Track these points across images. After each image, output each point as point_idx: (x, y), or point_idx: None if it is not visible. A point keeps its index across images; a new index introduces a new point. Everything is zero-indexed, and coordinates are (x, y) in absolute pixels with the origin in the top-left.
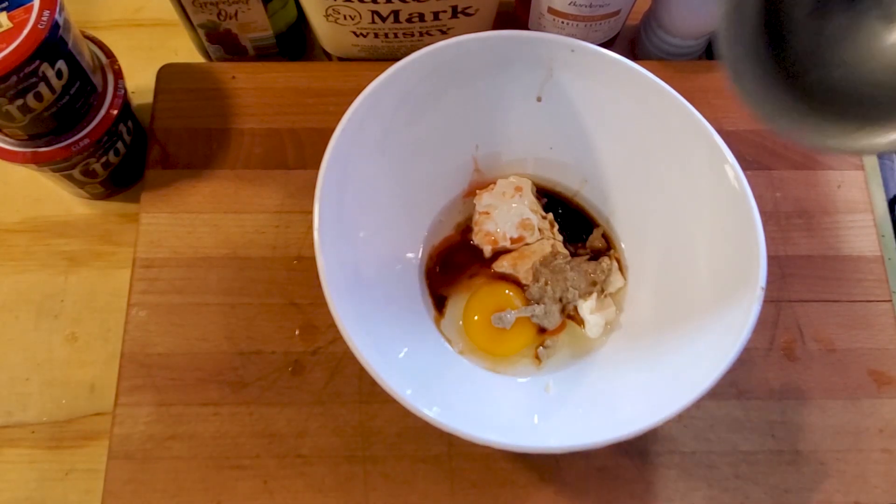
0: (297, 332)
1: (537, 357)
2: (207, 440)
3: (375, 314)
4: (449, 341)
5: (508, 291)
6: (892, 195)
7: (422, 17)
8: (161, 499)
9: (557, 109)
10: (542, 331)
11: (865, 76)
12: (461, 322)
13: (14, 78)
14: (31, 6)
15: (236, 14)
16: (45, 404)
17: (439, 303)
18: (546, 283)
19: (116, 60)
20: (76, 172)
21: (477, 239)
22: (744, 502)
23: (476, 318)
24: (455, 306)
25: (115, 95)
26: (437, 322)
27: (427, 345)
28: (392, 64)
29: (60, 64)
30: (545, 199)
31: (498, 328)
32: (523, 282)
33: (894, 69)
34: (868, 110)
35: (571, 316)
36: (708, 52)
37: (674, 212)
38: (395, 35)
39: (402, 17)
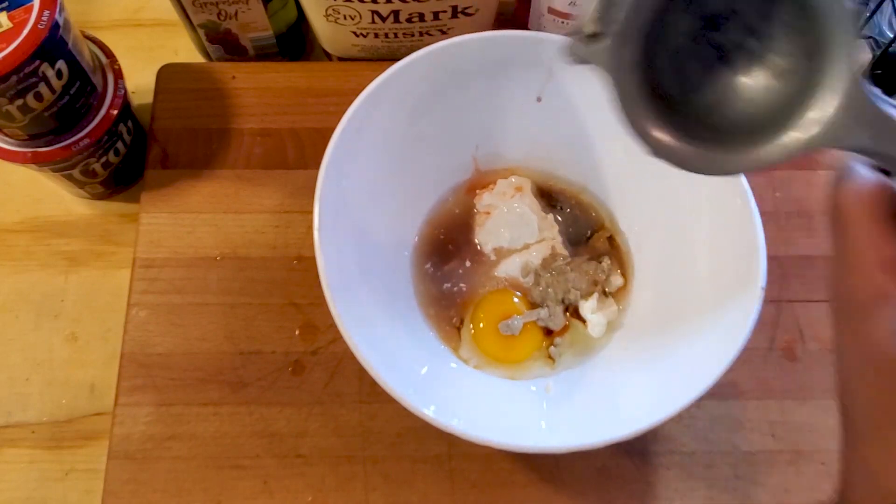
0: (297, 332)
1: (550, 357)
2: (207, 440)
3: (375, 314)
4: (465, 361)
5: (512, 297)
6: None
7: (422, 16)
8: (161, 499)
9: (557, 109)
10: (548, 332)
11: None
12: (471, 337)
13: (14, 78)
14: (31, 6)
15: (236, 14)
16: (45, 404)
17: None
18: (547, 286)
19: (116, 60)
20: (76, 172)
21: (478, 239)
22: (744, 502)
23: (484, 327)
24: (464, 328)
25: (115, 95)
26: (456, 350)
27: (427, 344)
28: (392, 64)
29: (60, 64)
30: (545, 199)
31: (507, 335)
32: (524, 285)
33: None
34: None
35: (575, 315)
36: None
37: (674, 211)
38: (395, 35)
39: (402, 17)
